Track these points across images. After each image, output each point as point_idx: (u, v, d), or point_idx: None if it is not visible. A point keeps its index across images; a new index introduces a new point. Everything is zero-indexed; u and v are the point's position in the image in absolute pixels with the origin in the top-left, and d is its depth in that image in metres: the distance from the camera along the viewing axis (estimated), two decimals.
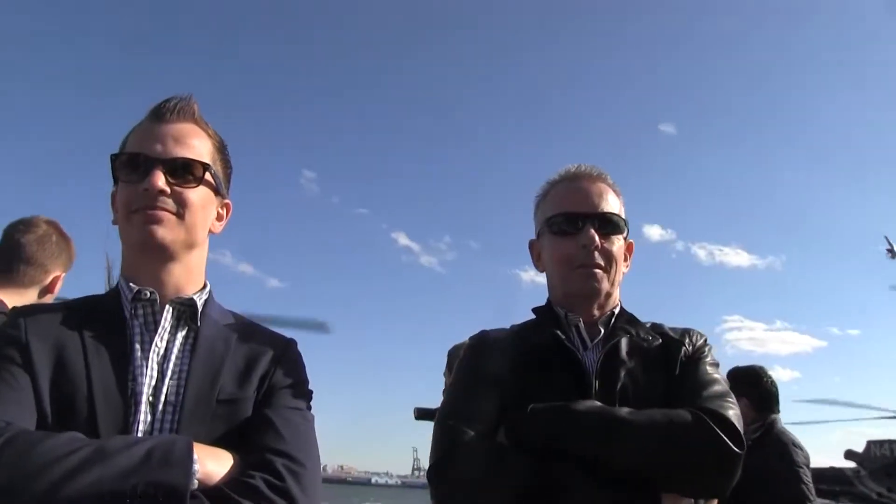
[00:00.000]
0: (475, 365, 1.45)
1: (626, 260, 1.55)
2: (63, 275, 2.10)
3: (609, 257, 1.45)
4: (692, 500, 1.27)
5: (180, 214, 1.19)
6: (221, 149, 1.32)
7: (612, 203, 1.49)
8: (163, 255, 1.20)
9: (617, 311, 1.49)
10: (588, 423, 1.23)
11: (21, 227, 2.03)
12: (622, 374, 1.35)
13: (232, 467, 1.05)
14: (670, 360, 1.40)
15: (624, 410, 1.26)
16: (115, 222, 1.25)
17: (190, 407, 1.11)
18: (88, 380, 1.07)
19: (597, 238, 1.43)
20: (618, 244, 1.47)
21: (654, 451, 1.21)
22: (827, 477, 14.74)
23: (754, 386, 3.51)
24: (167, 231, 1.17)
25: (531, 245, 1.60)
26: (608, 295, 1.47)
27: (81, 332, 1.13)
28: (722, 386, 1.36)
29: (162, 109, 1.25)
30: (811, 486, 3.26)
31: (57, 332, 1.12)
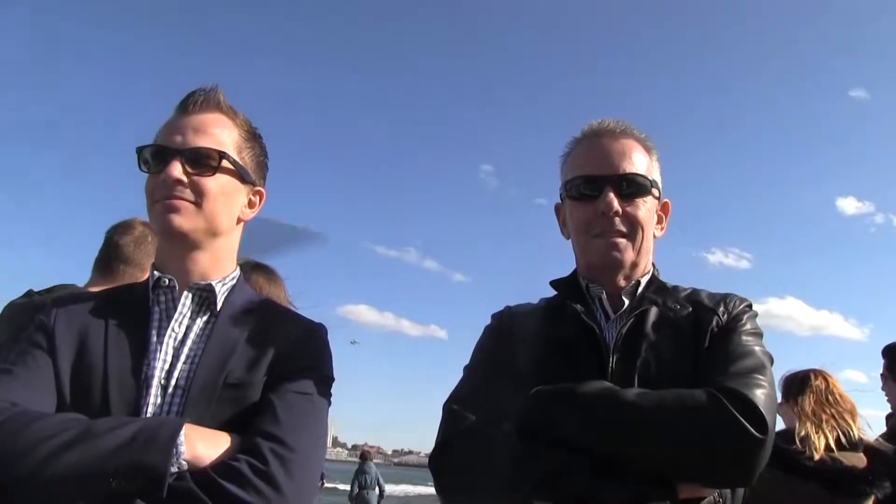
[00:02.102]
0: (490, 346, 1.38)
1: (660, 223, 1.40)
2: None
3: (633, 223, 1.31)
4: (715, 491, 1.14)
5: (198, 203, 1.23)
6: (251, 137, 1.34)
7: (637, 162, 1.33)
8: (185, 243, 1.24)
9: (645, 279, 1.35)
10: (589, 408, 1.13)
11: (119, 229, 2.21)
12: (643, 349, 1.23)
13: (226, 450, 1.08)
14: (700, 331, 1.25)
15: (632, 392, 1.14)
16: None
17: (196, 390, 1.15)
18: (105, 364, 1.15)
19: (615, 203, 1.29)
20: (644, 208, 1.32)
21: (663, 438, 1.09)
22: None
23: None
24: (184, 219, 1.21)
25: (557, 209, 1.48)
26: (634, 264, 1.33)
27: (107, 319, 1.22)
28: (754, 360, 1.19)
29: (187, 102, 1.28)
30: None
31: (84, 319, 1.22)
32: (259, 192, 1.37)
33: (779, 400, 2.56)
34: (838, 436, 2.28)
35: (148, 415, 1.13)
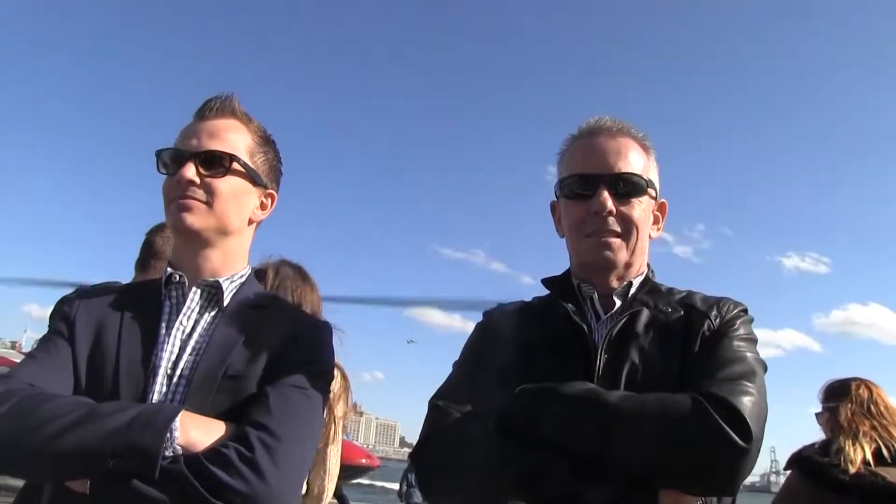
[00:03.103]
0: (478, 343, 1.39)
1: (656, 223, 1.38)
2: None
3: (627, 223, 1.30)
4: (698, 499, 1.11)
5: (210, 203, 1.31)
6: (264, 143, 1.42)
7: (633, 161, 1.32)
8: (197, 240, 1.33)
9: (638, 280, 1.33)
10: (571, 408, 1.12)
11: (157, 229, 2.39)
12: (632, 351, 1.22)
13: (219, 438, 1.14)
14: (691, 335, 1.23)
15: (615, 395, 1.12)
16: None
17: (197, 381, 1.23)
18: (117, 353, 1.25)
19: (609, 203, 1.28)
20: (639, 208, 1.31)
21: (643, 442, 1.07)
22: None
23: None
24: (196, 218, 1.30)
25: (552, 207, 1.47)
26: (627, 265, 1.32)
27: (122, 311, 1.31)
28: (744, 366, 1.15)
29: (203, 108, 1.38)
30: None
31: (103, 311, 1.32)
32: (271, 195, 1.44)
33: (819, 409, 2.45)
34: (878, 448, 2.14)
35: (153, 402, 1.21)
